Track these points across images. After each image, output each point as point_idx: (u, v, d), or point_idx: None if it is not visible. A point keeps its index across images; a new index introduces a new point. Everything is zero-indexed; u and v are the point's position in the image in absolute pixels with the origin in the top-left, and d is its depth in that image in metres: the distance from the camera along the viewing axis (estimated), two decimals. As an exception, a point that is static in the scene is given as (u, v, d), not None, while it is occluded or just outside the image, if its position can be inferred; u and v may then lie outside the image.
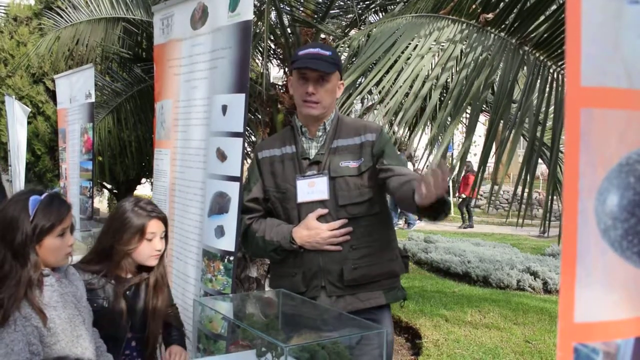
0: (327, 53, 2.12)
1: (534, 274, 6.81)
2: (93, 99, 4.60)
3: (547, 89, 2.47)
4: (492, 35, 2.73)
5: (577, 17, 0.71)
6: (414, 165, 14.00)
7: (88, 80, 4.61)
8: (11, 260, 1.69)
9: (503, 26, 2.72)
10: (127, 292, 2.08)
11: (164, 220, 2.12)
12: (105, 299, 2.02)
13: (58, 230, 1.76)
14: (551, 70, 2.49)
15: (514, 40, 2.65)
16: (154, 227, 2.06)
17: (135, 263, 2.09)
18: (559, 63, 2.49)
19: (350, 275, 2.08)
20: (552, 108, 2.51)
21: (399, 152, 2.26)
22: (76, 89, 4.83)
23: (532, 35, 2.59)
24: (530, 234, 11.11)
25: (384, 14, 4.65)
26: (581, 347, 0.73)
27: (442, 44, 2.85)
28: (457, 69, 2.90)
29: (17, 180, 7.03)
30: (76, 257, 2.05)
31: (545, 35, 2.51)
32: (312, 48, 2.14)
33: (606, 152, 0.72)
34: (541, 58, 2.54)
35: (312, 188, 2.12)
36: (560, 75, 2.47)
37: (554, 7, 2.58)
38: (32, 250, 1.71)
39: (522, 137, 2.77)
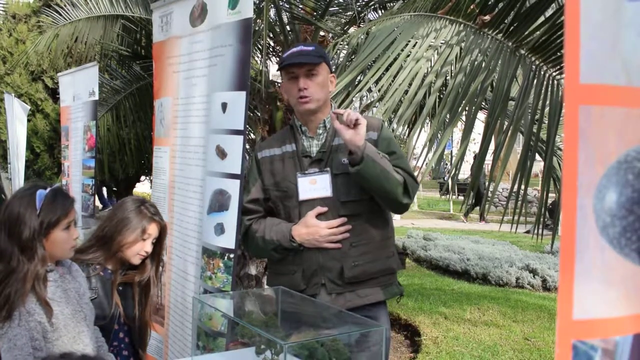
0: (310, 48, 2.17)
1: (533, 272, 6.81)
2: (96, 97, 4.60)
3: (543, 93, 2.47)
4: (489, 37, 2.73)
5: (576, 14, 0.71)
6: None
7: (92, 78, 4.61)
8: (19, 255, 1.71)
9: (500, 28, 2.71)
10: (120, 287, 2.17)
11: (162, 228, 2.21)
12: (94, 291, 2.07)
13: (64, 223, 1.79)
14: (547, 75, 2.49)
15: (510, 44, 2.65)
16: (152, 229, 2.16)
17: (122, 259, 2.16)
18: (555, 67, 2.49)
19: (351, 273, 2.08)
20: (547, 110, 2.51)
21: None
22: (80, 87, 4.83)
23: (529, 39, 2.59)
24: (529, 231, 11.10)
25: (383, 11, 4.64)
26: (580, 344, 0.73)
27: (440, 46, 2.85)
28: (455, 70, 2.90)
29: (17, 178, 7.03)
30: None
31: (541, 39, 2.51)
32: (295, 48, 2.19)
33: (605, 150, 0.72)
34: (537, 62, 2.54)
35: (313, 185, 2.13)
36: (555, 80, 2.47)
37: (550, 11, 2.58)
38: (40, 244, 1.73)
39: (520, 134, 2.76)
